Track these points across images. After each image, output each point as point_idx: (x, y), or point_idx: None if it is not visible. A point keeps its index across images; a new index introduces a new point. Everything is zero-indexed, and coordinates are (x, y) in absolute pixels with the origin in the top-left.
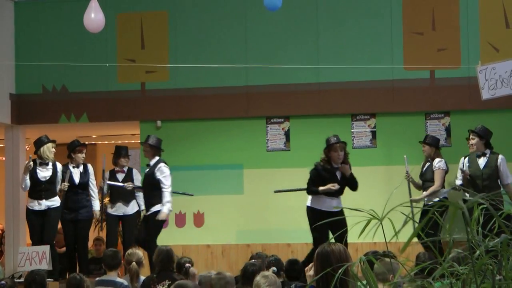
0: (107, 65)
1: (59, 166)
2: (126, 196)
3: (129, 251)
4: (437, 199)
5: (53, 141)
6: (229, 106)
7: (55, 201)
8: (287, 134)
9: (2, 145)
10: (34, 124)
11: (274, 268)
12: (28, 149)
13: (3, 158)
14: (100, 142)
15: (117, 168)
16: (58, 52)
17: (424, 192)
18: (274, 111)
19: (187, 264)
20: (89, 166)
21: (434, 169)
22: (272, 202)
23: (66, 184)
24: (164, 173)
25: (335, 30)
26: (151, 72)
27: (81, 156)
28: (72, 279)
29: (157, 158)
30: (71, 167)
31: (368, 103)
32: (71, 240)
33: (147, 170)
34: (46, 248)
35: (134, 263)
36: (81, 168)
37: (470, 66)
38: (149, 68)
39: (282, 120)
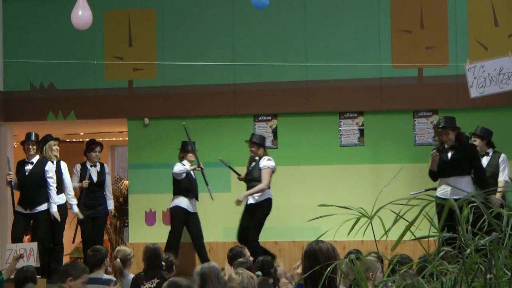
0: (95, 62)
1: (63, 165)
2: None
3: (117, 248)
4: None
5: (56, 139)
6: (216, 104)
7: (60, 199)
8: (274, 132)
9: None
10: (21, 121)
11: (259, 273)
12: (16, 146)
13: None
14: (87, 139)
15: None
16: (46, 49)
17: (248, 190)
18: (261, 109)
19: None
20: (105, 165)
21: (262, 168)
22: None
23: (87, 181)
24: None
25: (323, 28)
26: (139, 70)
27: (94, 155)
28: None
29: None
30: (88, 165)
31: (356, 101)
32: (89, 237)
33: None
34: (34, 245)
35: (118, 259)
36: (98, 166)
37: (458, 64)
38: (136, 65)
39: (270, 118)
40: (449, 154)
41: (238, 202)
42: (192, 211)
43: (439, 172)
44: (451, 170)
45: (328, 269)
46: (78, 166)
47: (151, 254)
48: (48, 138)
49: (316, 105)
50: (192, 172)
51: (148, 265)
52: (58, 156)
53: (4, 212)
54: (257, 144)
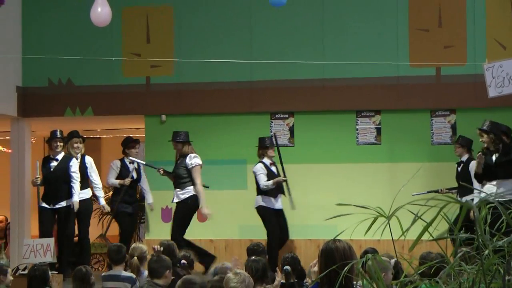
0: (113, 59)
1: (88, 159)
2: None
3: (133, 245)
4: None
5: (80, 137)
6: (233, 101)
7: (85, 194)
8: (291, 130)
9: (8, 138)
10: (39, 117)
11: (288, 267)
12: (34, 141)
13: (9, 150)
14: (104, 136)
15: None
16: (64, 45)
17: (201, 199)
18: (278, 106)
19: (183, 261)
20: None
21: (190, 166)
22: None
23: (129, 179)
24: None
25: (340, 26)
26: (156, 67)
27: (134, 151)
28: (78, 271)
29: (466, 155)
30: (127, 162)
31: (373, 99)
32: (130, 232)
33: None
34: (51, 241)
35: (135, 257)
36: (135, 163)
37: (477, 63)
38: (154, 62)
39: (287, 115)
40: (494, 158)
41: (207, 215)
42: (277, 207)
43: (484, 175)
44: (495, 173)
45: (345, 268)
46: (118, 163)
47: (164, 250)
48: (73, 134)
49: (333, 103)
50: (274, 168)
51: None
52: (79, 153)
53: (21, 208)
54: (181, 142)
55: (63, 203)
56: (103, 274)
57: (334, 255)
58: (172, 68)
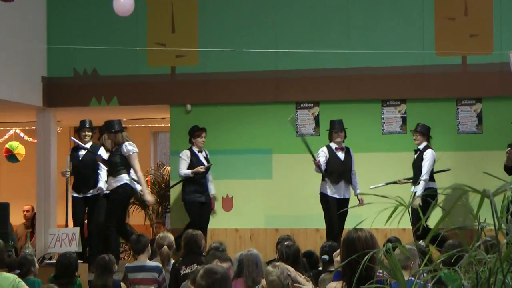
0: (138, 49)
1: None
2: None
3: (160, 234)
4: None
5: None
6: (258, 91)
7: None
8: (316, 119)
9: (34, 128)
10: (65, 107)
11: (326, 257)
12: (59, 131)
13: (35, 141)
14: (130, 126)
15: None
16: (89, 36)
17: (143, 187)
18: (303, 96)
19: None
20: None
21: (126, 154)
22: (301, 187)
23: (203, 167)
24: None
25: (365, 15)
26: (181, 56)
27: (200, 140)
28: (101, 259)
29: (425, 143)
30: (196, 151)
31: (398, 88)
32: (203, 222)
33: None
34: (76, 230)
35: (165, 246)
36: (203, 152)
37: (503, 52)
38: (179, 52)
39: (312, 105)
40: None
41: (149, 202)
42: (336, 196)
43: None
44: None
45: (366, 257)
46: (187, 153)
47: (189, 240)
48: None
49: (358, 93)
50: (341, 153)
51: (186, 250)
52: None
53: (47, 198)
54: (115, 132)
55: (92, 191)
56: (127, 265)
57: (356, 244)
58: (197, 57)
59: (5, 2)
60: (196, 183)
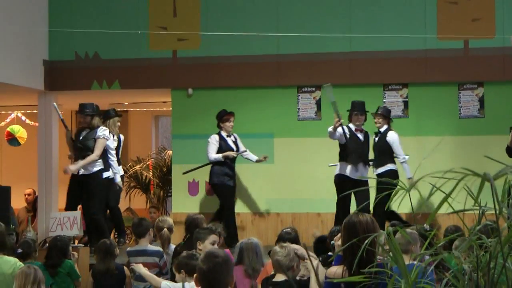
0: (139, 32)
1: (122, 138)
2: None
3: (160, 217)
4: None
5: (120, 115)
6: (260, 75)
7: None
8: (318, 104)
9: (35, 111)
10: (66, 90)
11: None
12: (62, 113)
13: (36, 124)
14: (131, 109)
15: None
16: (90, 19)
17: (81, 161)
18: (305, 80)
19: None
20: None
21: (97, 138)
22: (302, 171)
23: (235, 152)
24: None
25: None
26: (183, 40)
27: (229, 125)
28: (102, 244)
29: (386, 126)
30: (225, 135)
31: (400, 73)
32: (232, 206)
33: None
34: (77, 214)
35: (165, 229)
36: (232, 137)
37: (505, 36)
38: (181, 35)
39: (314, 89)
40: None
41: (67, 170)
42: (354, 177)
43: None
44: None
45: (366, 241)
46: (216, 137)
47: (190, 223)
48: (111, 113)
49: (360, 77)
50: (360, 134)
51: (188, 235)
52: (117, 131)
53: (48, 181)
54: (90, 115)
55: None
56: (128, 249)
57: (357, 228)
58: (198, 41)
59: None
60: (226, 167)
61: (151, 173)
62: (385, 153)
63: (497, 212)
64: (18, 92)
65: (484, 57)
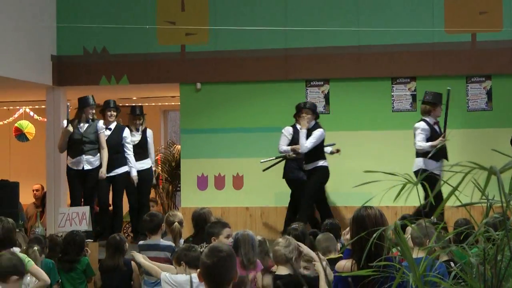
0: (147, 27)
1: (149, 132)
2: None
3: (171, 212)
4: None
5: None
6: (268, 69)
7: (145, 164)
8: (326, 97)
9: (43, 106)
10: (75, 85)
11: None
12: (70, 110)
13: (45, 119)
14: (140, 104)
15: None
16: (99, 14)
17: (104, 163)
18: (313, 74)
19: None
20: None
21: (100, 132)
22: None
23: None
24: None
25: None
26: (191, 34)
27: (306, 117)
28: (112, 239)
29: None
30: (299, 128)
31: (408, 66)
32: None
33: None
34: (86, 209)
35: (176, 223)
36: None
37: None
38: (189, 30)
39: (322, 83)
40: None
41: (103, 177)
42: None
43: None
44: None
45: (374, 235)
46: (290, 129)
47: (197, 218)
48: (137, 112)
49: (368, 70)
50: (437, 127)
51: (197, 229)
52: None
53: (57, 176)
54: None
55: (118, 171)
56: (140, 243)
57: (366, 222)
58: (207, 36)
59: None
60: (299, 160)
61: (160, 168)
62: (315, 149)
63: (504, 204)
64: (26, 87)
65: (491, 50)
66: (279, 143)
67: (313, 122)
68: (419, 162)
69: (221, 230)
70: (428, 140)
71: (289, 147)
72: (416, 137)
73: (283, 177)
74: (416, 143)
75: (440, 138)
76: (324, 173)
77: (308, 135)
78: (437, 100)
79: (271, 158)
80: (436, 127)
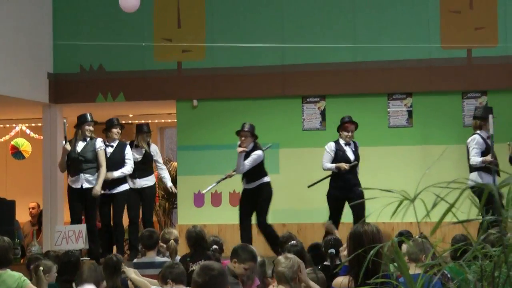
0: (143, 44)
1: (153, 147)
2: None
3: (166, 229)
4: None
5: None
6: (265, 85)
7: (149, 180)
8: (323, 114)
9: (40, 124)
10: (71, 103)
11: (333, 250)
12: (67, 127)
13: (41, 137)
14: (137, 121)
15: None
16: (95, 31)
17: (100, 179)
18: (310, 90)
19: (214, 246)
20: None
21: (98, 150)
22: (307, 182)
23: (348, 165)
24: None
25: (371, 9)
26: (188, 51)
27: (346, 134)
28: (109, 260)
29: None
30: (343, 144)
31: (404, 82)
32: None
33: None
34: (83, 227)
35: (172, 240)
36: (352, 145)
37: (508, 45)
38: (185, 47)
39: (318, 99)
40: None
41: (97, 194)
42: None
43: None
44: None
45: (371, 252)
46: (332, 145)
47: (196, 237)
48: (144, 129)
49: (364, 86)
50: (490, 141)
51: (194, 247)
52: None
53: (54, 194)
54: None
55: (119, 188)
56: (135, 261)
57: (363, 238)
58: (203, 52)
59: None
60: (341, 179)
61: (157, 185)
62: (256, 168)
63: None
64: (22, 105)
65: (487, 65)
66: (322, 160)
67: (251, 145)
68: (475, 177)
69: (247, 261)
70: (482, 154)
71: (333, 165)
72: (471, 152)
73: (327, 194)
74: (470, 158)
75: (490, 158)
76: (269, 189)
77: (247, 156)
78: (487, 115)
79: (213, 185)
80: (489, 141)
